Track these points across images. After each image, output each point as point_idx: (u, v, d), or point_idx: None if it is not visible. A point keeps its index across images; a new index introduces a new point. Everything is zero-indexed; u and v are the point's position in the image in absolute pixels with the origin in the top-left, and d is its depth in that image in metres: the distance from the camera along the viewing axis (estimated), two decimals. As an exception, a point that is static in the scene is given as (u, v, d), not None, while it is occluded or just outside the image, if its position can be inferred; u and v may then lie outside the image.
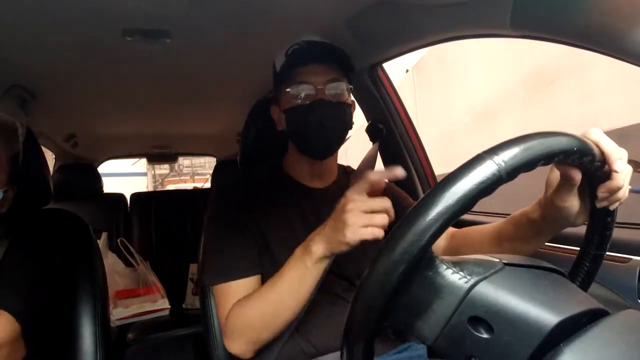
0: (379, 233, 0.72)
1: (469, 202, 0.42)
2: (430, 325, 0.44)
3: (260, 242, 0.99)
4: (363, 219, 0.73)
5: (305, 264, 0.81)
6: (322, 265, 0.81)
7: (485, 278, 0.44)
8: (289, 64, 0.99)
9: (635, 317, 0.45)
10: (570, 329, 0.41)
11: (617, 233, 0.63)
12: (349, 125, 1.03)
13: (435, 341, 0.44)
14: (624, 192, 0.60)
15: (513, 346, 0.41)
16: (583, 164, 0.53)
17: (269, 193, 1.04)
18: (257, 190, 1.05)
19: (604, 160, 0.55)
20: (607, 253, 0.61)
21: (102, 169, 3.19)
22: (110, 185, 2.79)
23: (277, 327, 0.88)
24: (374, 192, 0.75)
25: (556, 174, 0.69)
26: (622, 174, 0.58)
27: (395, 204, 1.15)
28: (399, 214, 1.12)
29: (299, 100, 0.98)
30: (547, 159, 0.45)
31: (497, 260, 0.47)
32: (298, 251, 0.84)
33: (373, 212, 0.73)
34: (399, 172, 0.72)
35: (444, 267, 0.45)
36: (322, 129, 0.98)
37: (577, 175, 0.62)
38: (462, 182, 0.42)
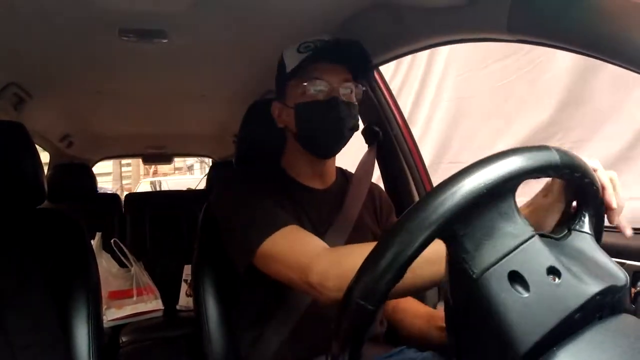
0: None
1: None
2: (494, 249, 0.44)
3: None
4: None
5: None
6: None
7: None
8: (304, 60, 0.97)
9: (628, 321, 0.45)
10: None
11: (611, 238, 0.63)
12: (356, 126, 1.04)
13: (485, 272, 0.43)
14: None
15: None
16: (574, 180, 0.52)
17: (270, 189, 1.02)
18: (259, 186, 1.03)
19: (593, 177, 0.54)
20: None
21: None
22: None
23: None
24: None
25: None
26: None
27: (380, 208, 1.14)
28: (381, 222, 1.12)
29: (313, 97, 0.98)
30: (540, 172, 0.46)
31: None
32: None
33: None
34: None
35: (517, 211, 0.47)
36: (337, 127, 0.99)
37: None
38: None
